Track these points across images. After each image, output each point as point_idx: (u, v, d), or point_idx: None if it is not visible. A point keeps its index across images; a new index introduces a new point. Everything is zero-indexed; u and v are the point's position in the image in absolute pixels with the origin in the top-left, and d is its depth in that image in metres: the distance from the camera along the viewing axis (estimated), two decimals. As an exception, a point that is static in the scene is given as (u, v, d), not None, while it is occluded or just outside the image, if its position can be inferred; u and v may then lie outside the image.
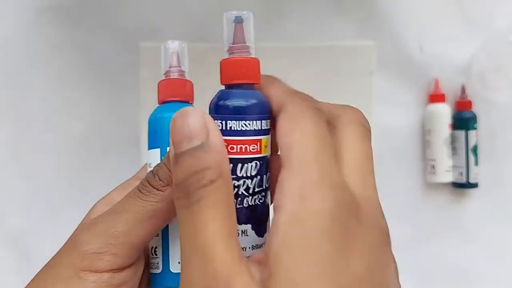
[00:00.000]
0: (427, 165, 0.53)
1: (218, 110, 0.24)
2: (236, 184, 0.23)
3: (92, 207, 0.29)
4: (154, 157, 0.26)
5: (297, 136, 0.21)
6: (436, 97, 0.52)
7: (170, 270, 0.25)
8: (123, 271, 0.24)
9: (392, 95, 0.53)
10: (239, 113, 0.23)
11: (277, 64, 0.50)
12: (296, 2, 0.52)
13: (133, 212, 0.24)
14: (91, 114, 0.53)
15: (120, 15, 0.53)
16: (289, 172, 0.21)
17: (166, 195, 0.24)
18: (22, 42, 0.53)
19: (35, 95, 0.53)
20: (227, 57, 0.26)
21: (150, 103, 0.49)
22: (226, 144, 0.22)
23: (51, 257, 0.26)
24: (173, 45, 0.28)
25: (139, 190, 0.25)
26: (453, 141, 0.52)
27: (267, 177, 0.24)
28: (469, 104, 0.52)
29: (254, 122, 0.23)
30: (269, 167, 0.24)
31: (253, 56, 0.26)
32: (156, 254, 0.25)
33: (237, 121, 0.23)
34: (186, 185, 0.21)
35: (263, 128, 0.24)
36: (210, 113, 0.24)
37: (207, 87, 0.51)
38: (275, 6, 0.53)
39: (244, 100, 0.24)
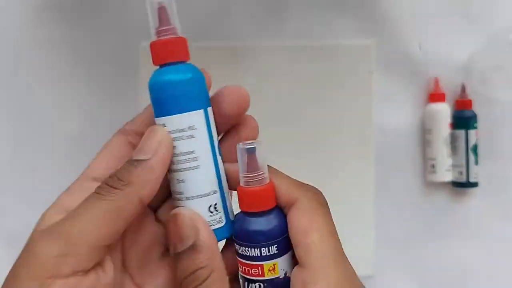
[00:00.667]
0: (427, 164, 0.53)
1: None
2: None
3: (41, 217, 0.27)
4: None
5: (315, 237, 0.25)
6: (436, 96, 0.52)
7: (230, 220, 0.27)
8: (89, 274, 0.23)
9: (392, 94, 0.53)
10: (245, 240, 0.25)
11: (277, 63, 0.50)
12: (296, 1, 0.52)
13: (92, 212, 0.24)
14: (91, 114, 0.53)
15: (120, 14, 0.53)
16: (312, 274, 0.24)
17: (126, 193, 0.24)
18: (22, 41, 0.53)
19: (34, 94, 0.53)
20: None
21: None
22: (245, 267, 0.25)
23: (7, 272, 0.25)
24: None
25: (97, 192, 0.24)
26: (453, 140, 0.52)
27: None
28: (469, 103, 0.52)
29: (256, 249, 0.25)
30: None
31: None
32: (217, 210, 0.26)
33: (240, 247, 0.26)
34: (186, 284, 0.24)
35: (267, 254, 0.25)
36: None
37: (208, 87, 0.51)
38: (275, 5, 0.52)
39: (258, 230, 0.25)
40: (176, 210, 0.25)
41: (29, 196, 0.54)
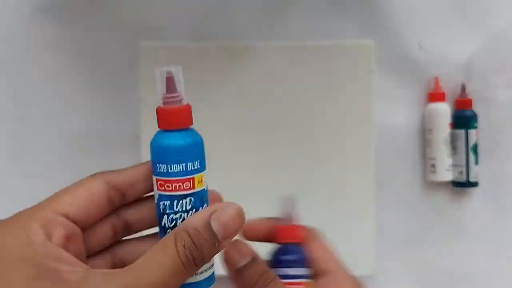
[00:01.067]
0: (427, 164, 0.53)
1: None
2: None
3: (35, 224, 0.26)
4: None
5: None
6: (436, 95, 0.52)
7: None
8: None
9: (392, 94, 0.53)
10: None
11: (277, 63, 0.50)
12: (295, 1, 0.52)
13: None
14: (91, 114, 0.53)
15: (120, 14, 0.52)
16: None
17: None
18: (21, 41, 0.53)
19: (34, 94, 0.53)
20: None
21: (150, 102, 0.49)
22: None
23: None
24: (167, 69, 0.28)
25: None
26: (453, 140, 0.52)
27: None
28: (469, 103, 0.52)
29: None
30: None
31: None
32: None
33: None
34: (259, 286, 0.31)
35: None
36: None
37: (207, 85, 0.51)
38: (275, 5, 0.52)
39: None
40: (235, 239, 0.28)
41: (29, 196, 0.54)
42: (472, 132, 0.51)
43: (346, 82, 0.49)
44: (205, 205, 0.28)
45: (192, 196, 0.28)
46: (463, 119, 0.52)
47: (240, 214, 0.27)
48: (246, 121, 0.50)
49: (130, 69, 0.51)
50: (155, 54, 0.49)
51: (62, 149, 0.53)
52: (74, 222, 0.27)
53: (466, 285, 0.53)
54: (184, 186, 0.27)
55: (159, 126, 0.28)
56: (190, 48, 0.50)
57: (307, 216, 0.50)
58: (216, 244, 0.26)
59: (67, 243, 0.26)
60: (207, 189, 0.29)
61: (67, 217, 0.27)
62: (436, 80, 0.52)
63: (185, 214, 0.28)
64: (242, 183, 0.50)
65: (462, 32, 0.53)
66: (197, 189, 0.28)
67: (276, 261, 0.34)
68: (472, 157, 0.51)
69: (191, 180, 0.28)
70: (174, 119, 0.28)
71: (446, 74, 0.52)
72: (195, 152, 0.28)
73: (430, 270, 0.53)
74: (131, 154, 0.52)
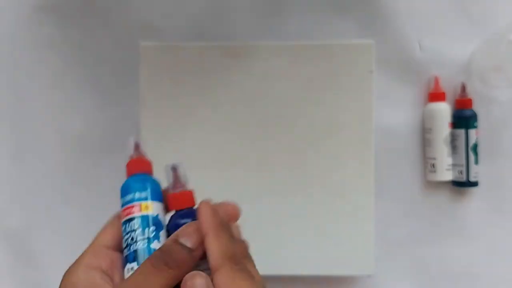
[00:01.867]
0: (427, 163, 0.53)
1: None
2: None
3: (68, 276, 0.32)
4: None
5: None
6: (436, 95, 0.52)
7: None
8: None
9: (392, 94, 0.53)
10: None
11: (277, 63, 0.50)
12: (295, 1, 0.52)
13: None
14: (91, 114, 0.53)
15: (120, 14, 0.53)
16: None
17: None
18: (22, 41, 0.53)
19: (34, 94, 0.53)
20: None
21: (150, 103, 0.49)
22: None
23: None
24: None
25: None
26: (453, 139, 0.52)
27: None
28: (469, 102, 0.52)
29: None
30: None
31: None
32: None
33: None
34: None
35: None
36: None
37: (207, 85, 0.51)
38: (275, 5, 0.52)
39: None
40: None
41: (30, 197, 0.54)
42: (472, 131, 0.51)
43: (346, 81, 0.49)
44: (151, 228, 0.33)
45: (139, 219, 0.33)
46: (463, 118, 0.52)
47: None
48: (245, 121, 0.50)
49: (130, 69, 0.51)
50: (155, 54, 0.49)
51: (62, 149, 0.53)
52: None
53: (466, 285, 0.53)
54: (134, 210, 0.34)
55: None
56: (190, 48, 0.49)
57: (307, 216, 0.51)
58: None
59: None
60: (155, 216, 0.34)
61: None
62: (436, 79, 0.52)
63: (133, 232, 0.33)
64: (242, 182, 0.50)
65: (462, 32, 0.53)
66: (143, 213, 0.34)
67: (173, 226, 0.34)
68: (472, 156, 0.51)
69: (139, 205, 0.34)
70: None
71: (446, 74, 0.52)
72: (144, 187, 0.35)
73: (429, 270, 0.53)
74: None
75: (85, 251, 0.33)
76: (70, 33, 0.53)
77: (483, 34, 0.52)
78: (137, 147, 0.37)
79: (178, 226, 0.33)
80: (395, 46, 0.52)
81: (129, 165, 0.36)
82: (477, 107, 0.52)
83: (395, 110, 0.53)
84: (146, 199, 0.34)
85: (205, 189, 0.50)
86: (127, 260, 0.32)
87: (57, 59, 0.53)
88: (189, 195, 0.35)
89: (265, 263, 0.50)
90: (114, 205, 0.54)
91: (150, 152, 0.50)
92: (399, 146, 0.53)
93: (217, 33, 0.53)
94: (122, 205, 0.34)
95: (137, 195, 0.34)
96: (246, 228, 0.50)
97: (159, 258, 0.30)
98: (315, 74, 0.49)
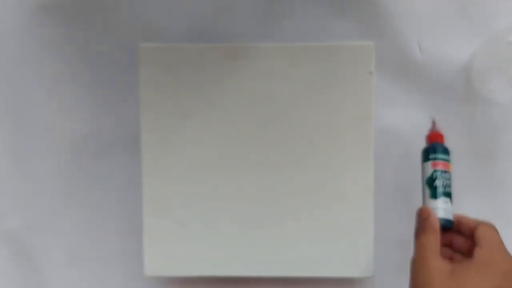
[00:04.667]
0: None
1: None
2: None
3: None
4: None
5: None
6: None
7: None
8: None
9: (392, 95, 0.53)
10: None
11: (277, 64, 0.50)
12: (295, 2, 0.52)
13: None
14: (91, 114, 0.53)
15: (120, 15, 0.53)
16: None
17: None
18: (21, 42, 0.53)
19: (34, 95, 0.53)
20: None
21: (150, 104, 0.49)
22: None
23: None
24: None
25: None
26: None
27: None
28: (435, 136, 0.48)
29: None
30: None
31: None
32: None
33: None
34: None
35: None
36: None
37: (207, 86, 0.51)
38: (275, 6, 0.53)
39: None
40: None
41: (30, 198, 0.54)
42: (426, 164, 0.47)
43: (346, 83, 0.49)
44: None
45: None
46: (423, 151, 0.48)
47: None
48: (245, 122, 0.50)
49: (130, 71, 0.51)
50: (155, 55, 0.49)
51: (62, 150, 0.54)
52: None
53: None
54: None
55: None
56: (190, 50, 0.50)
57: (307, 217, 0.50)
58: None
59: None
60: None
61: None
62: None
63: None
64: (242, 183, 0.50)
65: (461, 33, 0.53)
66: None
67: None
68: (426, 190, 0.47)
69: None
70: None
71: (446, 75, 0.52)
72: None
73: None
74: (131, 156, 0.52)
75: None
76: (71, 34, 0.53)
77: (483, 35, 0.52)
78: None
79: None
80: (395, 48, 0.52)
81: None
82: (477, 107, 0.52)
83: (394, 112, 0.53)
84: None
85: (205, 189, 0.50)
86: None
87: (57, 60, 0.53)
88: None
89: (263, 265, 0.51)
90: (114, 206, 0.54)
91: (150, 153, 0.50)
92: (398, 148, 0.53)
93: (217, 35, 0.53)
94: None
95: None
96: (245, 229, 0.50)
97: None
98: (315, 75, 0.49)
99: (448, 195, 0.46)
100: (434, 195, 0.46)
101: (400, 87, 0.53)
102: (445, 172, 0.46)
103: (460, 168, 0.53)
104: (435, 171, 0.46)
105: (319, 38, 0.52)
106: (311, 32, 0.52)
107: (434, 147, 0.47)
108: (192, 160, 0.49)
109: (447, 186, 0.46)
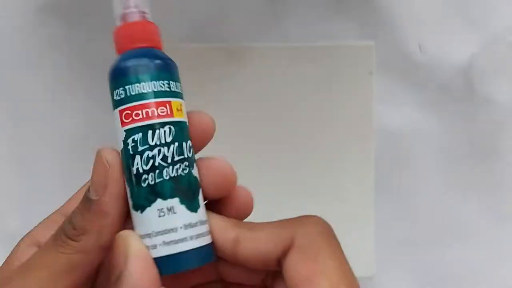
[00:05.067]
0: (427, 165, 0.52)
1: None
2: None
3: (15, 247, 0.26)
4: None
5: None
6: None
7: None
8: None
9: (392, 95, 0.53)
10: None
11: (277, 64, 0.50)
12: (295, 2, 0.52)
13: (48, 266, 0.22)
14: (91, 114, 0.53)
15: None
16: None
17: (82, 245, 0.22)
18: (20, 42, 0.53)
19: (33, 95, 0.53)
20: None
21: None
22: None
23: None
24: None
25: (55, 240, 0.23)
26: None
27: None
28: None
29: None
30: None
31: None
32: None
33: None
34: None
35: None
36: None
37: (206, 86, 0.51)
38: (275, 6, 0.53)
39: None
40: (97, 152, 0.24)
41: (29, 197, 0.54)
42: (114, 114, 0.43)
43: (346, 83, 0.49)
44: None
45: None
46: None
47: (100, 161, 0.24)
48: (245, 122, 0.50)
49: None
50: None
51: (62, 149, 0.54)
52: None
53: (467, 286, 0.53)
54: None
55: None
56: (190, 49, 0.50)
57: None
58: (89, 206, 0.22)
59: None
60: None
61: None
62: None
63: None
64: (241, 183, 0.50)
65: (462, 33, 0.53)
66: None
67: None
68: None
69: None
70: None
71: (446, 75, 0.53)
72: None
73: (431, 271, 0.53)
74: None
75: (44, 219, 0.27)
76: (72, 33, 0.53)
77: (484, 35, 0.52)
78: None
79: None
80: (395, 48, 0.52)
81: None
82: (476, 108, 0.52)
83: (395, 112, 0.53)
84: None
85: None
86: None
87: (58, 60, 0.53)
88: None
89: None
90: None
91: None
92: (399, 148, 0.53)
93: (217, 35, 0.53)
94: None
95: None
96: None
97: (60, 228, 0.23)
98: (315, 75, 0.49)
99: (174, 193, 0.22)
100: (138, 202, 0.22)
101: (400, 87, 0.53)
102: (159, 128, 0.22)
103: (459, 168, 0.53)
104: (128, 130, 0.23)
105: (319, 38, 0.52)
106: (311, 32, 0.52)
107: (124, 68, 0.23)
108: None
109: (170, 168, 0.22)
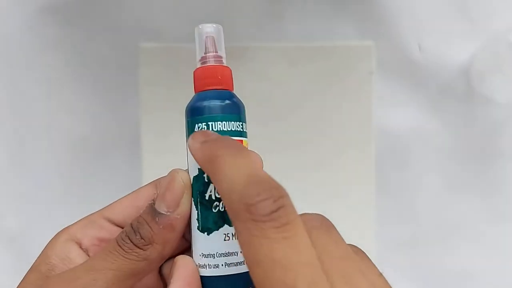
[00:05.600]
0: (427, 165, 0.52)
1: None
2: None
3: (51, 242, 0.28)
4: None
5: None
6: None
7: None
8: None
9: (392, 95, 0.53)
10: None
11: (277, 64, 0.50)
12: (295, 2, 0.52)
13: (114, 269, 0.24)
14: (91, 115, 0.53)
15: (120, 15, 0.53)
16: None
17: (148, 254, 0.24)
18: (22, 43, 0.53)
19: (34, 95, 0.53)
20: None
21: (150, 104, 0.49)
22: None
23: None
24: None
25: (120, 246, 0.24)
26: None
27: None
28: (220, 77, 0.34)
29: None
30: None
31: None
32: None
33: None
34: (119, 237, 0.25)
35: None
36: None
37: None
38: (275, 6, 0.53)
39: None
40: (174, 173, 0.26)
41: (29, 198, 0.54)
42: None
43: (346, 83, 0.49)
44: None
45: None
46: None
47: (176, 180, 0.25)
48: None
49: (130, 71, 0.51)
50: (155, 55, 0.49)
51: (62, 150, 0.53)
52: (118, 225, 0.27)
53: (467, 285, 0.53)
54: None
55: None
56: (191, 50, 0.49)
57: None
58: (157, 219, 0.24)
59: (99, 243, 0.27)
60: None
61: (109, 220, 0.27)
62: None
63: None
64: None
65: (462, 33, 0.53)
66: None
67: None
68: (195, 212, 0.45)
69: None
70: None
71: (446, 75, 0.52)
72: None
73: (431, 271, 0.53)
74: (131, 156, 0.52)
75: (83, 218, 0.28)
76: (70, 34, 0.53)
77: (483, 35, 0.52)
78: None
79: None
80: (395, 48, 0.52)
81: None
82: (477, 108, 0.52)
83: (395, 112, 0.53)
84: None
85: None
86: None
87: (57, 61, 0.53)
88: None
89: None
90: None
91: (150, 153, 0.50)
92: (399, 148, 0.53)
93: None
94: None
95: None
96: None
97: (126, 237, 0.24)
98: (315, 75, 0.49)
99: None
100: (206, 225, 0.25)
101: (400, 87, 0.53)
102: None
103: (459, 168, 0.53)
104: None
105: (319, 38, 0.52)
106: (311, 32, 0.52)
107: (211, 106, 0.25)
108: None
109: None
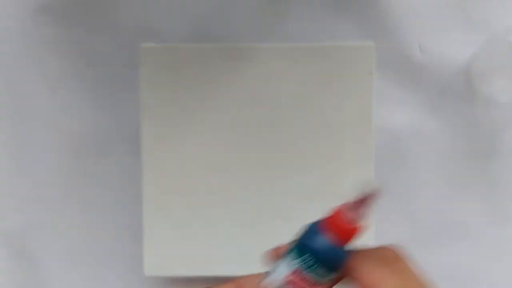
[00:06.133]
0: (427, 165, 0.52)
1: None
2: None
3: None
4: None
5: None
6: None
7: None
8: None
9: (392, 95, 0.53)
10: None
11: (277, 64, 0.50)
12: (295, 2, 0.52)
13: None
14: (91, 115, 0.53)
15: (120, 15, 0.53)
16: None
17: None
18: (22, 42, 0.53)
19: (34, 95, 0.53)
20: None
21: (150, 104, 0.49)
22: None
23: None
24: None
25: None
26: None
27: None
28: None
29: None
30: None
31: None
32: None
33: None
34: None
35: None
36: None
37: (207, 86, 0.51)
38: (275, 6, 0.53)
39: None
40: None
41: (29, 198, 0.54)
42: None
43: (346, 83, 0.49)
44: None
45: None
46: None
47: None
48: (245, 122, 0.50)
49: (130, 71, 0.51)
50: (156, 55, 0.49)
51: (62, 150, 0.54)
52: None
53: (467, 286, 0.53)
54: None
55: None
56: (191, 50, 0.49)
57: (307, 217, 0.50)
58: None
59: None
60: None
61: None
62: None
63: None
64: (242, 183, 0.50)
65: (462, 33, 0.53)
66: None
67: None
68: None
69: None
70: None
71: (446, 76, 0.52)
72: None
73: (430, 271, 0.53)
74: (131, 156, 0.52)
75: (218, 285, 0.30)
76: (70, 34, 0.53)
77: (483, 35, 0.52)
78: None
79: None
80: (395, 48, 0.52)
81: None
82: (477, 108, 0.52)
83: (395, 112, 0.53)
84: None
85: (205, 189, 0.50)
86: None
87: (58, 61, 0.53)
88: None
89: (262, 266, 0.50)
90: (114, 205, 0.54)
91: (150, 153, 0.50)
92: (398, 148, 0.53)
93: (217, 35, 0.53)
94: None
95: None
96: (246, 229, 0.50)
97: None
98: (315, 75, 0.49)
99: None
100: None
101: (400, 87, 0.53)
102: None
103: (459, 168, 0.53)
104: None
105: (319, 38, 0.52)
106: (311, 32, 0.52)
107: (315, 250, 0.29)
108: (193, 160, 0.49)
109: None
